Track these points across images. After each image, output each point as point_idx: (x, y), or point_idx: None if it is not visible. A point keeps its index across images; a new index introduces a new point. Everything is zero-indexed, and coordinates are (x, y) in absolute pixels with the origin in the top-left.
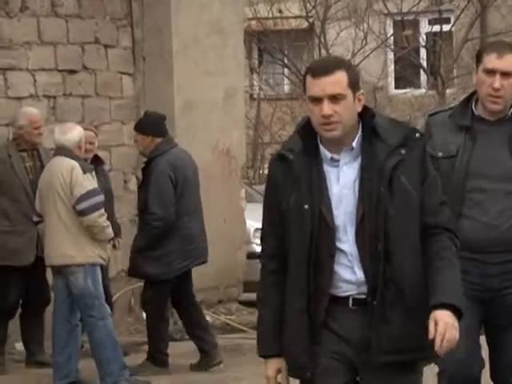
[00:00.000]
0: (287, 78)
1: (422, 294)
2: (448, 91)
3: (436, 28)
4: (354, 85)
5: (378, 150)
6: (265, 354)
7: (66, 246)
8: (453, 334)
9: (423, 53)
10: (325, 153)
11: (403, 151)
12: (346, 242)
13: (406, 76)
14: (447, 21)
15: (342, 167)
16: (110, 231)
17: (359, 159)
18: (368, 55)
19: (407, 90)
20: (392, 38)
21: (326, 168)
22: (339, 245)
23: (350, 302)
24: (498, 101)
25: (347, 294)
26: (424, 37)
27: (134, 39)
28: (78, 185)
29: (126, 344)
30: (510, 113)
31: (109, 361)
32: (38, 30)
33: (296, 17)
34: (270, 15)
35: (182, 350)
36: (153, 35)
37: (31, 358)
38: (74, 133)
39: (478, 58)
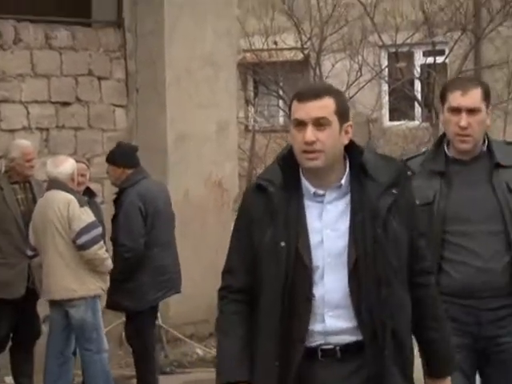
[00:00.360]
0: (282, 109)
1: (411, 345)
2: None
3: (430, 60)
4: (341, 113)
5: (368, 189)
6: (230, 379)
7: (67, 280)
8: None
9: (417, 85)
10: (307, 187)
11: (395, 191)
12: (321, 286)
13: (400, 108)
14: (441, 53)
15: (326, 205)
16: (109, 262)
17: (346, 198)
18: (362, 87)
19: (401, 122)
20: (386, 69)
21: (307, 203)
22: (314, 290)
23: (319, 353)
24: (467, 139)
25: (316, 344)
26: (418, 69)
27: (127, 71)
28: (77, 218)
29: (116, 377)
30: (484, 148)
31: None
32: (31, 62)
33: (291, 48)
34: (265, 47)
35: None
36: (146, 67)
37: None
38: (66, 165)
39: (443, 98)
